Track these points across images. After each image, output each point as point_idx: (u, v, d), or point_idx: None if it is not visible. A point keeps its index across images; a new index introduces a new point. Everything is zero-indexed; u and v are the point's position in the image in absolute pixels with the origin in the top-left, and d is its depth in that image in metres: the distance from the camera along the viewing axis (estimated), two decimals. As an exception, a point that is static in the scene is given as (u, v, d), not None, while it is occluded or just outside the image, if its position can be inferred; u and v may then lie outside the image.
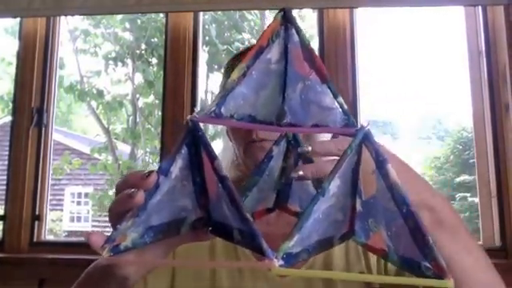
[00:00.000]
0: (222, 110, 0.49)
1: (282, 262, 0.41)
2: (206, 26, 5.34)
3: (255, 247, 0.43)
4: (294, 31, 0.51)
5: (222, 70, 1.04)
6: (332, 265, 0.87)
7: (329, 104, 0.51)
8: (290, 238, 0.43)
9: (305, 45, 0.51)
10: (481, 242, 1.79)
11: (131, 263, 0.55)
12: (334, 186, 0.47)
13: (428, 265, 0.43)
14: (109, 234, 0.47)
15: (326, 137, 0.97)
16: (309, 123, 0.53)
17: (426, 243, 0.43)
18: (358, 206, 0.51)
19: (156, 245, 0.52)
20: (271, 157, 0.62)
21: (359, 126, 0.49)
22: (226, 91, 0.49)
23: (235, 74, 0.49)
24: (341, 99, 0.51)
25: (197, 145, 0.48)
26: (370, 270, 0.87)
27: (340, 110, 0.50)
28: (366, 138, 0.48)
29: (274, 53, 0.51)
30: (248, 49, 1.02)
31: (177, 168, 0.49)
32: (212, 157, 0.47)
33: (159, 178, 0.48)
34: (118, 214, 0.50)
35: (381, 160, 0.47)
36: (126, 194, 0.48)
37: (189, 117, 0.48)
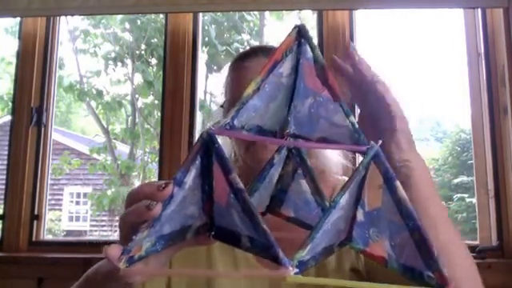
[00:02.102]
0: (235, 121, 0.51)
1: (296, 270, 0.43)
2: (206, 27, 5.34)
3: (268, 255, 0.44)
4: (307, 47, 0.52)
5: (227, 71, 1.03)
6: (325, 262, 0.88)
7: (339, 121, 0.52)
8: (303, 247, 0.44)
9: (318, 61, 0.52)
10: (478, 242, 1.80)
11: (139, 273, 0.55)
12: (344, 199, 0.48)
13: (431, 274, 0.44)
14: (126, 246, 0.47)
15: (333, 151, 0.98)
16: (316, 136, 0.55)
17: (431, 256, 0.45)
18: (360, 216, 0.52)
19: (161, 252, 0.52)
20: (272, 164, 0.63)
21: (370, 145, 0.50)
22: (241, 105, 0.51)
23: (251, 88, 0.51)
24: (352, 118, 0.52)
25: (209, 155, 0.49)
26: (359, 259, 0.90)
27: (351, 127, 0.52)
28: (376, 156, 0.50)
29: (285, 67, 0.53)
30: (253, 50, 1.02)
31: (190, 179, 0.50)
32: (227, 169, 0.47)
33: (174, 189, 0.49)
34: (132, 224, 0.50)
35: (389, 177, 0.48)
36: (144, 205, 0.48)
37: (205, 129, 0.49)
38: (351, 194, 0.49)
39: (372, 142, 0.50)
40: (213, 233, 0.53)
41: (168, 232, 0.51)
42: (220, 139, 0.98)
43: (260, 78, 0.51)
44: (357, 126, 0.52)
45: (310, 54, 0.53)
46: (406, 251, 0.47)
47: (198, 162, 0.49)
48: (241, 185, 0.46)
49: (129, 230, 0.50)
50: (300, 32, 0.52)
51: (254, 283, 0.88)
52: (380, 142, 0.50)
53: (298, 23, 0.53)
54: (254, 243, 0.47)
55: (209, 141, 0.49)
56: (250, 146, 0.91)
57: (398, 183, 0.48)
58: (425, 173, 0.70)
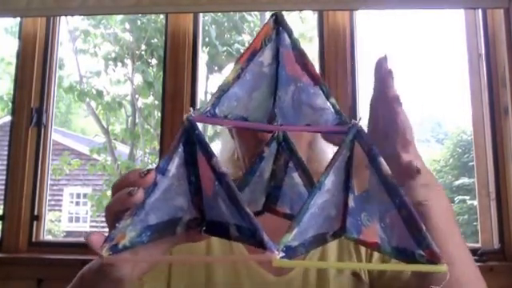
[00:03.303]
0: (217, 110, 0.51)
1: (283, 254, 0.42)
2: (206, 27, 5.35)
3: (255, 241, 0.43)
4: (285, 35, 0.52)
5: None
6: (326, 261, 0.89)
7: (321, 105, 0.52)
8: (289, 230, 0.44)
9: (296, 48, 0.52)
10: (479, 245, 1.79)
11: (124, 261, 0.54)
12: (329, 181, 0.48)
13: (422, 252, 0.44)
14: (109, 234, 0.47)
15: (329, 149, 0.98)
16: (301, 123, 0.54)
17: (420, 231, 0.44)
18: (351, 202, 0.51)
19: (151, 246, 0.52)
20: (262, 157, 0.62)
21: (351, 124, 0.50)
22: (220, 92, 0.51)
23: (230, 76, 0.51)
24: (333, 100, 0.52)
25: (192, 143, 0.49)
26: (361, 262, 0.90)
27: (332, 109, 0.52)
28: (358, 135, 0.49)
29: (266, 56, 0.53)
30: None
31: (174, 167, 0.49)
32: (209, 154, 0.47)
33: (157, 177, 0.49)
34: (116, 212, 0.50)
35: (373, 154, 0.48)
36: (126, 192, 0.48)
37: (185, 116, 0.48)
38: (337, 175, 0.49)
39: (353, 121, 0.50)
40: (204, 228, 0.53)
41: (154, 223, 0.50)
42: (220, 144, 0.97)
43: (239, 66, 0.51)
44: (337, 106, 0.52)
45: (288, 40, 0.52)
46: (396, 230, 0.47)
47: (180, 150, 0.49)
48: (223, 169, 0.46)
49: (113, 219, 0.50)
50: (277, 20, 0.52)
51: (253, 284, 0.87)
52: (360, 118, 0.50)
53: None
54: (241, 231, 0.46)
55: (190, 128, 0.48)
56: (258, 145, 0.90)
57: (382, 159, 0.47)
58: (442, 210, 0.62)
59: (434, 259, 0.43)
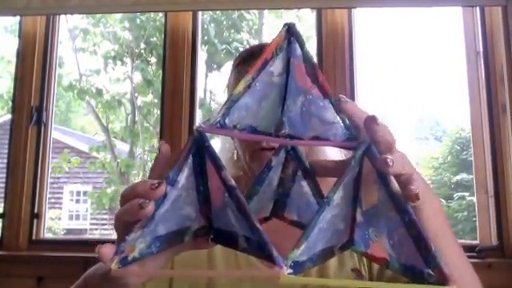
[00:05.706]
0: (227, 120, 0.50)
1: (290, 271, 0.42)
2: (205, 26, 5.35)
3: (264, 255, 0.44)
4: (297, 45, 0.52)
5: (231, 67, 1.03)
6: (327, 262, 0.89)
7: (330, 118, 0.52)
8: (297, 246, 0.44)
9: (308, 59, 0.52)
10: (478, 241, 1.80)
11: (133, 274, 0.55)
12: (338, 196, 0.48)
13: (431, 272, 0.44)
14: (118, 246, 0.47)
15: (328, 148, 0.98)
16: (309, 135, 0.54)
17: (429, 251, 0.44)
18: (359, 216, 0.51)
19: (157, 254, 0.52)
20: (271, 167, 0.62)
21: (361, 140, 0.50)
22: (231, 102, 0.50)
23: (241, 86, 0.51)
24: (343, 114, 0.52)
25: (201, 154, 0.49)
26: (362, 264, 0.89)
27: (342, 124, 0.52)
28: (368, 150, 0.49)
29: (276, 66, 0.52)
30: (259, 48, 1.01)
31: (183, 178, 0.49)
32: (219, 167, 0.47)
33: (167, 188, 0.49)
34: (125, 223, 0.50)
35: (382, 171, 0.48)
36: (137, 204, 0.48)
37: (195, 127, 0.49)
38: (346, 190, 0.49)
39: (363, 137, 0.50)
40: (211, 236, 0.53)
41: (163, 233, 0.50)
42: (219, 143, 0.97)
43: (250, 77, 0.51)
44: (347, 121, 0.52)
45: (299, 51, 0.52)
46: (405, 248, 0.47)
47: (190, 160, 0.49)
48: (233, 182, 0.46)
49: (123, 228, 0.50)
50: (289, 30, 0.52)
51: (255, 283, 0.88)
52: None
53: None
54: (250, 243, 0.47)
55: (200, 139, 0.49)
56: (256, 153, 0.90)
57: (391, 177, 0.48)
58: (435, 211, 0.61)
59: (442, 280, 0.43)
